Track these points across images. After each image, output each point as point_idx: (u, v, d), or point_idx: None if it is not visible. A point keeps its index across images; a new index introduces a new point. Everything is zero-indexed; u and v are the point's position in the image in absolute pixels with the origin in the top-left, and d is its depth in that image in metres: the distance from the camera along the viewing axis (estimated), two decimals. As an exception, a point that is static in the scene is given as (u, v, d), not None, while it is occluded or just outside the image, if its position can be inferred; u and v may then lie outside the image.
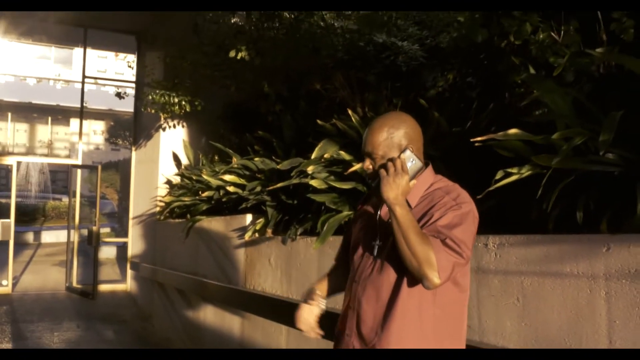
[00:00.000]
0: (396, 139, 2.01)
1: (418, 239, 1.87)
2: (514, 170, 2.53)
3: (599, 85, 2.53)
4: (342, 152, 4.02)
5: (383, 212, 2.13)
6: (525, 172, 2.49)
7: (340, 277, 2.32)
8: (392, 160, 1.98)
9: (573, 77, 2.78)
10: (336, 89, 5.68)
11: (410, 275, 1.94)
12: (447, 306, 1.95)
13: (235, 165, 5.83)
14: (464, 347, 1.98)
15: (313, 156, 4.26)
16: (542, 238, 2.43)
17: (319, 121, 4.51)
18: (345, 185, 3.93)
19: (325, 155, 4.19)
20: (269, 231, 5.27)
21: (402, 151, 1.99)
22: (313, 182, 3.99)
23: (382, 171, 1.95)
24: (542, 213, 2.65)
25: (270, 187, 4.47)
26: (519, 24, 3.17)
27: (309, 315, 2.22)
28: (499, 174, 2.55)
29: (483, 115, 3.47)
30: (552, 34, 3.16)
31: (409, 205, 2.03)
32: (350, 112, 4.06)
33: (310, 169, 4.16)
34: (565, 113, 2.54)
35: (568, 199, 2.50)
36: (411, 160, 1.93)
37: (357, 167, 3.84)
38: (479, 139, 2.63)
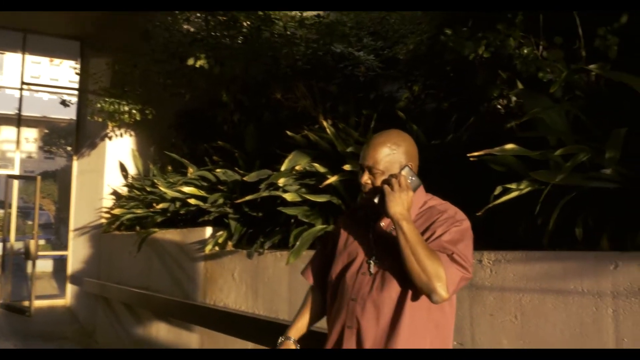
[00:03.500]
0: (397, 156, 2.02)
1: (427, 253, 1.87)
2: (513, 186, 2.50)
3: (593, 101, 2.54)
4: (315, 164, 3.91)
5: (380, 227, 2.07)
6: (525, 188, 2.45)
7: (319, 303, 2.27)
8: (394, 176, 1.98)
9: (561, 93, 2.78)
10: (297, 98, 5.59)
11: (414, 291, 1.93)
12: (440, 321, 1.97)
13: (193, 176, 5.62)
14: None
15: (283, 168, 4.13)
16: (543, 255, 2.40)
17: (288, 132, 4.39)
18: (321, 198, 3.82)
19: (297, 167, 4.07)
20: (230, 244, 5.09)
21: (402, 168, 2.01)
22: (287, 196, 3.86)
23: (387, 187, 1.96)
24: (533, 230, 2.64)
25: (239, 200, 4.30)
26: (502, 38, 3.17)
27: None
28: (498, 190, 2.51)
29: (463, 129, 3.45)
30: (535, 50, 3.18)
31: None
32: (324, 123, 3.97)
33: (281, 182, 4.03)
34: (562, 129, 2.54)
35: (562, 216, 2.49)
36: (410, 178, 1.96)
37: (333, 179, 3.74)
38: (475, 154, 2.59)
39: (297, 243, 3.79)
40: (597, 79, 2.57)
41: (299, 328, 2.31)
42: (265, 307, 4.31)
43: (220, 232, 5.04)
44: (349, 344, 2.01)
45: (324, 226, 3.85)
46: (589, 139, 2.41)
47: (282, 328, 3.94)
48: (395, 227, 1.90)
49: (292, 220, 4.21)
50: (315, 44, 5.91)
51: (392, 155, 2.02)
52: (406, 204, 1.93)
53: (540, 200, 2.46)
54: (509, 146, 2.54)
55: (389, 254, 2.03)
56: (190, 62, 5.57)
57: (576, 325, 2.24)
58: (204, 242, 5.18)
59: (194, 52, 5.51)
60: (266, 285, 4.31)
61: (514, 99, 3.52)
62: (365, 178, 2.04)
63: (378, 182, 2.04)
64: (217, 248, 5.04)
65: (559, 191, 2.49)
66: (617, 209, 2.34)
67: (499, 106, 3.69)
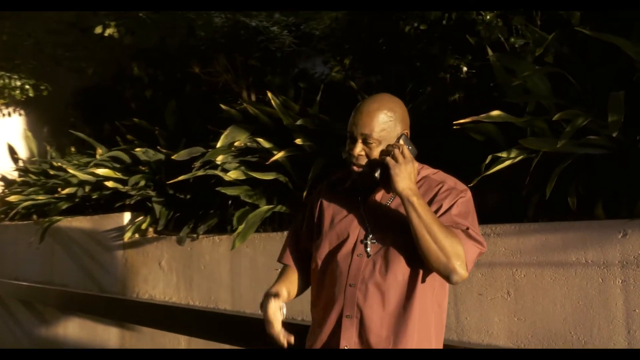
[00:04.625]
0: (393, 123, 1.81)
1: (443, 231, 1.70)
2: (504, 154, 2.35)
3: (577, 65, 2.45)
4: (260, 139, 3.60)
5: (373, 201, 1.85)
6: (516, 156, 2.32)
7: (295, 283, 1.99)
8: (395, 146, 1.77)
9: (533, 59, 2.68)
10: (218, 72, 5.21)
11: (422, 271, 1.77)
12: (442, 299, 1.84)
13: (104, 158, 5.07)
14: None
15: (219, 144, 3.77)
16: (539, 226, 2.28)
17: (222, 105, 4.03)
18: (267, 176, 3.52)
19: (236, 144, 3.73)
20: (151, 230, 4.66)
21: (399, 137, 1.80)
22: (231, 174, 3.52)
23: (390, 159, 1.74)
24: (517, 202, 2.53)
25: (171, 181, 3.89)
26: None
27: (276, 312, 1.81)
28: (489, 159, 2.35)
29: (421, 99, 3.29)
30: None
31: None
32: (270, 95, 3.65)
33: (219, 159, 3.68)
34: (545, 94, 2.43)
35: (545, 185, 2.38)
36: (408, 147, 1.78)
37: (280, 155, 3.45)
38: (461, 121, 2.43)
39: (242, 226, 3.48)
40: (581, 43, 2.48)
41: (284, 294, 1.91)
42: (201, 297, 3.96)
43: (141, 217, 4.59)
44: (349, 334, 1.78)
45: (270, 206, 3.56)
46: (575, 104, 2.32)
47: (224, 318, 3.69)
48: (405, 204, 1.70)
49: (230, 202, 3.89)
50: (232, 15, 5.53)
51: (389, 122, 1.80)
52: (413, 177, 1.73)
53: (531, 170, 2.34)
54: (495, 113, 2.39)
55: (388, 232, 1.82)
56: (98, 30, 5.00)
57: (579, 298, 2.15)
58: (122, 229, 4.70)
59: (103, 19, 4.94)
60: (202, 273, 3.95)
61: (464, 69, 3.42)
62: (359, 149, 1.80)
63: (375, 154, 1.81)
64: (137, 235, 4.59)
65: (545, 160, 2.38)
66: (610, 176, 2.26)
67: (447, 76, 3.59)
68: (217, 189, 3.68)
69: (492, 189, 2.57)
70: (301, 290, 2.03)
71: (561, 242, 2.20)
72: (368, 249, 1.80)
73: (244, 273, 3.64)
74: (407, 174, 1.73)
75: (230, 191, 3.66)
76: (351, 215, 1.90)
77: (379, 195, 1.90)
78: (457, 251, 1.68)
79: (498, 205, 2.55)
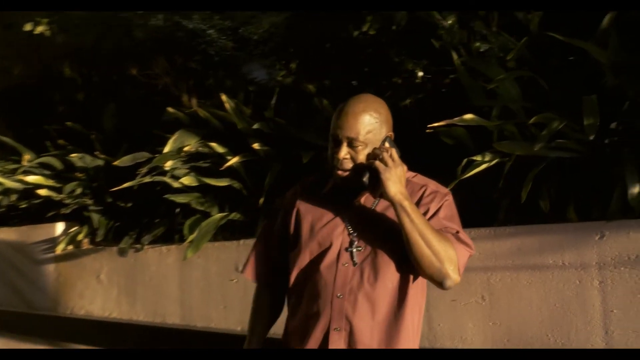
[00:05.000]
0: (379, 125, 1.73)
1: (436, 235, 1.65)
2: (478, 158, 2.34)
3: (546, 69, 2.48)
4: (213, 144, 3.44)
5: (357, 206, 1.78)
6: (491, 160, 2.31)
7: (272, 305, 1.93)
8: (382, 149, 1.71)
9: (495, 60, 2.71)
10: (157, 75, 5.01)
11: (412, 276, 1.71)
12: (423, 302, 1.80)
13: (32, 164, 4.73)
14: None
15: (167, 149, 3.58)
16: (514, 230, 2.27)
17: (170, 109, 3.84)
18: (221, 182, 3.38)
19: (186, 148, 3.56)
20: (86, 241, 4.38)
21: (384, 139, 1.74)
22: (183, 180, 3.34)
23: (379, 163, 1.67)
24: (489, 206, 2.53)
25: (115, 188, 3.65)
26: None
27: None
28: (464, 162, 2.33)
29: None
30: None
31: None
32: (224, 97, 3.50)
33: (168, 165, 3.50)
34: (515, 98, 2.44)
35: (516, 189, 2.39)
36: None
37: (234, 160, 3.32)
38: (435, 125, 2.39)
39: (195, 234, 3.31)
40: (548, 48, 2.52)
41: (260, 336, 1.92)
42: (147, 312, 3.74)
43: (77, 228, 4.31)
44: (337, 347, 1.69)
45: (225, 214, 3.41)
46: (544, 108, 2.34)
47: (173, 333, 3.49)
48: (397, 209, 1.63)
49: (178, 210, 3.70)
50: (169, 16, 5.34)
51: (375, 124, 1.72)
52: (403, 181, 1.67)
53: (504, 173, 2.34)
54: (468, 116, 2.38)
55: (375, 238, 1.74)
56: (28, 27, 4.67)
57: (556, 300, 2.15)
58: (54, 241, 4.39)
59: (34, 16, 4.62)
60: (148, 286, 3.74)
61: (420, 74, 3.43)
62: (344, 153, 1.71)
63: (361, 157, 1.74)
64: (71, 247, 4.30)
65: (517, 164, 2.39)
66: (581, 179, 2.29)
67: (399, 81, 3.59)
68: (165, 196, 3.50)
69: (462, 192, 2.56)
70: (279, 310, 1.95)
71: (537, 245, 2.20)
72: (354, 257, 1.72)
73: (195, 285, 3.47)
74: (397, 178, 1.67)
75: (180, 199, 3.49)
76: (333, 222, 1.80)
77: (362, 200, 1.82)
78: (450, 255, 1.64)
79: (469, 209, 2.53)
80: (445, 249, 1.63)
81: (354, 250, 1.74)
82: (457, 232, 1.73)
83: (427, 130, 2.44)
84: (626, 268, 2.00)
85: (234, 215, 3.39)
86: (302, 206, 1.87)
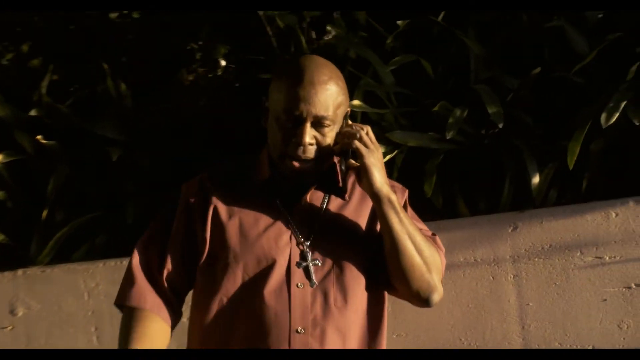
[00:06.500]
0: (345, 97, 1.40)
1: (424, 239, 1.43)
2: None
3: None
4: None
5: (302, 207, 1.41)
6: (389, 152, 2.06)
7: (166, 338, 1.38)
8: (353, 128, 1.38)
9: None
10: None
11: (382, 292, 1.44)
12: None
13: None
14: None
15: None
16: (418, 227, 2.06)
17: None
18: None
19: None
20: None
21: (346, 116, 1.42)
22: None
23: (360, 145, 1.34)
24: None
25: None
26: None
27: None
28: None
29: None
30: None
31: (347, 199, 1.45)
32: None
33: None
34: (390, 85, 2.25)
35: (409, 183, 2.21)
36: None
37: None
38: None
39: None
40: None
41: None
42: None
43: None
44: None
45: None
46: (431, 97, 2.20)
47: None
48: (383, 206, 1.33)
49: None
50: None
51: (343, 96, 1.37)
52: (384, 170, 1.38)
53: (398, 166, 2.13)
54: (355, 102, 2.09)
55: (335, 247, 1.38)
56: None
57: (469, 300, 2.01)
58: None
59: None
60: None
61: (223, 63, 3.08)
62: (309, 136, 1.31)
63: (328, 140, 1.37)
64: None
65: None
66: (465, 171, 2.22)
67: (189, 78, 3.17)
68: None
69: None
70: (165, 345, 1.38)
71: (446, 243, 2.01)
72: (311, 275, 1.32)
73: None
74: (381, 165, 1.36)
75: None
76: (274, 227, 1.36)
77: (308, 197, 1.41)
78: (438, 264, 1.42)
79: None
80: (433, 256, 1.40)
81: (310, 264, 1.33)
82: (434, 234, 1.51)
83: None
84: (540, 259, 1.97)
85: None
86: (222, 206, 1.35)
